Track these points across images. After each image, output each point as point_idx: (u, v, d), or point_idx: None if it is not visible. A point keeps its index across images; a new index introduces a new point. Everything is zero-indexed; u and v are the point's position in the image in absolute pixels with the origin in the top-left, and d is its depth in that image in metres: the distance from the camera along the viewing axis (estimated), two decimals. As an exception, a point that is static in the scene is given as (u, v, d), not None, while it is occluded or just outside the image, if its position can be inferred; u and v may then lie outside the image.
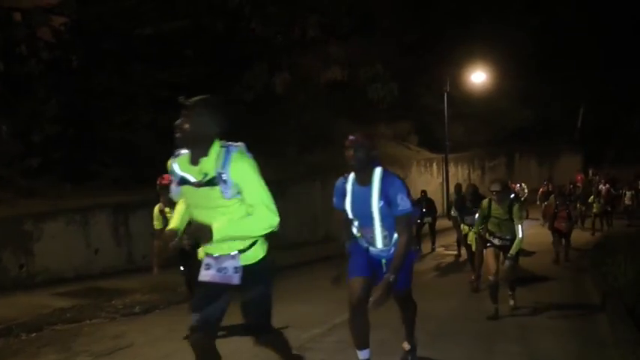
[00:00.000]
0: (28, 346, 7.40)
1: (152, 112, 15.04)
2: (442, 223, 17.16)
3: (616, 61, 33.68)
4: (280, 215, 3.88)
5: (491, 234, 8.42)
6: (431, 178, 25.12)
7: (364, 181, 4.90)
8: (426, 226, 16.35)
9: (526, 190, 24.13)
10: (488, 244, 8.44)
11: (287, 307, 8.96)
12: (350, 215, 5.07)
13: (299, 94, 20.26)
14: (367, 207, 4.90)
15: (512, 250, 7.91)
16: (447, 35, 26.13)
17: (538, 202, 23.45)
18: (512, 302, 8.50)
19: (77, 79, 15.38)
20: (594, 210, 21.25)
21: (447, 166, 24.08)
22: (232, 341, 6.28)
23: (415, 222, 9.44)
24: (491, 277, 8.14)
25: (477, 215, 9.11)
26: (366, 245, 5.14)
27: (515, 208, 8.08)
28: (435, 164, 25.77)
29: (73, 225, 12.18)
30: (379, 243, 5.03)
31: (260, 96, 18.63)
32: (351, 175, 5.03)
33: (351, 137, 4.85)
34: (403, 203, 4.78)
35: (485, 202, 8.60)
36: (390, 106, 24.40)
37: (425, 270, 12.87)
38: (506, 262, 8.02)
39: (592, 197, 21.69)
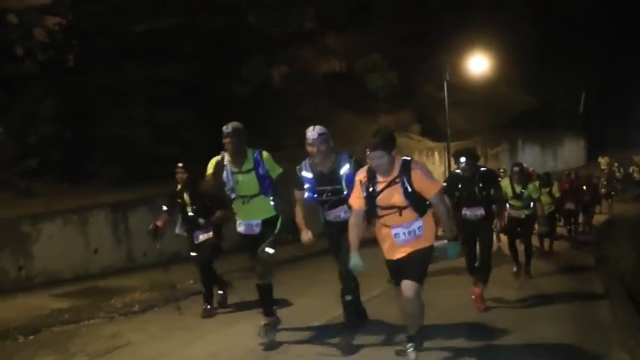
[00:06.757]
0: (25, 349, 7.35)
1: (149, 108, 14.96)
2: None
3: (616, 45, 33.52)
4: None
5: None
6: (433, 167, 24.95)
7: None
8: None
9: None
10: None
11: (287, 300, 8.93)
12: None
13: (297, 87, 20.14)
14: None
15: None
16: (445, 22, 25.92)
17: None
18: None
19: (72, 79, 15.31)
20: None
21: (449, 154, 23.89)
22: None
23: None
24: None
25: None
26: None
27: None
28: (436, 153, 25.61)
29: (72, 225, 12.08)
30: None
31: (258, 89, 18.51)
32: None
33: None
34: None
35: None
36: (391, 95, 24.27)
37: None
38: None
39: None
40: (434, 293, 8.52)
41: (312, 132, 6.30)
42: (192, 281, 10.40)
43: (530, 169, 18.11)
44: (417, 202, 5.39)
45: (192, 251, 8.52)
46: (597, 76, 34.12)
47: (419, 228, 5.45)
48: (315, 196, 6.46)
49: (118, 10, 15.13)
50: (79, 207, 12.44)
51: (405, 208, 5.39)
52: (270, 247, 6.54)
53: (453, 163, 23.26)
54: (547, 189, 14.20)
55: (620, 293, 7.77)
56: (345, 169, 6.30)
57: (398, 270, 5.59)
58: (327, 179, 6.35)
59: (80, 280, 11.33)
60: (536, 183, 12.38)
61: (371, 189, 5.46)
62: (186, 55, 16.45)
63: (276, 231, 6.64)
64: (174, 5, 16.08)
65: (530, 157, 32.30)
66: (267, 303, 6.81)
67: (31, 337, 7.84)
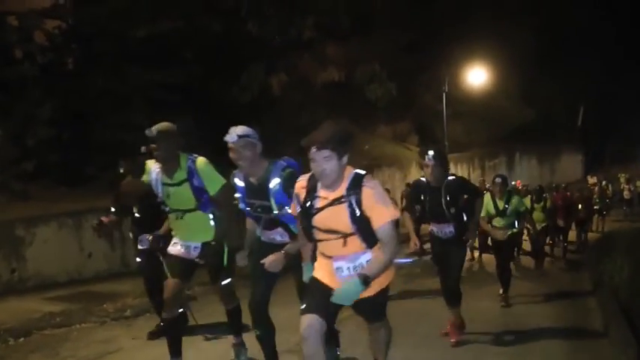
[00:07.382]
0: (15, 351, 7.33)
1: (148, 113, 14.96)
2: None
3: (617, 59, 33.55)
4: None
5: None
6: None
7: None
8: None
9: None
10: None
11: (280, 308, 8.87)
12: None
13: (296, 95, 20.17)
14: None
15: None
16: (445, 34, 25.99)
17: None
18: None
19: (71, 82, 15.33)
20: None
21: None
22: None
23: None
24: None
25: None
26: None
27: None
28: (434, 164, 25.54)
29: (66, 229, 12.11)
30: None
31: (257, 97, 18.56)
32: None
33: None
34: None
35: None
36: (390, 106, 24.31)
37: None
38: None
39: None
40: (431, 304, 8.52)
41: (232, 134, 4.93)
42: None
43: (524, 187, 17.87)
44: (367, 230, 4.02)
45: (137, 257, 7.53)
46: (597, 90, 34.16)
47: (367, 262, 4.09)
48: (248, 209, 5.20)
49: (119, 14, 15.17)
50: (74, 210, 12.45)
51: (349, 235, 4.05)
52: (226, 277, 5.74)
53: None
54: (540, 204, 13.50)
55: (615, 310, 7.74)
56: (274, 183, 4.93)
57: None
58: (256, 192, 5.04)
59: (73, 284, 11.35)
60: (526, 199, 11.96)
61: (308, 204, 4.14)
62: (186, 60, 16.49)
63: (225, 261, 5.62)
64: (174, 10, 16.11)
65: (527, 170, 32.33)
66: (238, 324, 6.16)
67: (22, 339, 7.83)
